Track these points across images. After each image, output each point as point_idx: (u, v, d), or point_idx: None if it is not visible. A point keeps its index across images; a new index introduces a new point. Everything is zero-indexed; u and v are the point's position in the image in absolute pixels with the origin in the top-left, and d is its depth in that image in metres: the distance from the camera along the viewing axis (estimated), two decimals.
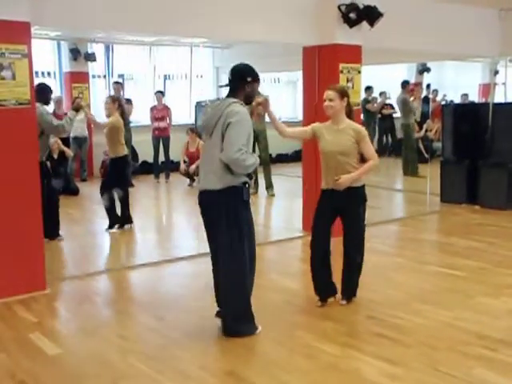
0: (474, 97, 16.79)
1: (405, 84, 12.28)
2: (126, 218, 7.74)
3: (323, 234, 4.76)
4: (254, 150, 10.33)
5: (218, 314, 4.41)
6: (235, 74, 4.26)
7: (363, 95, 12.90)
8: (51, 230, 6.78)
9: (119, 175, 7.67)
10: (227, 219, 4.15)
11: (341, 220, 4.82)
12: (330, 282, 4.88)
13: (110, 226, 7.65)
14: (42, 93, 6.58)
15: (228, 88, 4.26)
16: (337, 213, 4.79)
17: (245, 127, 4.07)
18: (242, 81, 4.21)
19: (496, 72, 11.83)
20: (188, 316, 4.75)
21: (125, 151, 7.65)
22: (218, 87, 4.14)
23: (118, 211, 7.73)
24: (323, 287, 4.86)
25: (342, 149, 4.63)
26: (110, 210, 7.66)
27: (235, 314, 4.25)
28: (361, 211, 4.81)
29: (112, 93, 11.83)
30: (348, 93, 4.78)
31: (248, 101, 4.29)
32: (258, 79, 4.31)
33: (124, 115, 7.62)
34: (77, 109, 6.86)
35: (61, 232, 7.20)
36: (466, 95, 15.32)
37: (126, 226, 7.71)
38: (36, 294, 5.21)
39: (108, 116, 7.62)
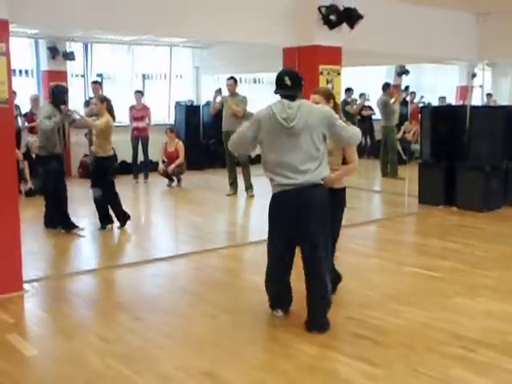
0: (452, 99, 16.95)
1: (386, 86, 12.36)
2: (111, 217, 7.72)
3: None
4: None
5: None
6: (296, 78, 4.38)
7: (343, 96, 12.96)
8: (64, 222, 7.34)
9: (106, 174, 7.63)
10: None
11: None
12: None
13: (104, 227, 7.64)
14: (58, 94, 7.25)
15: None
16: None
17: None
18: (300, 85, 4.39)
19: (473, 75, 11.97)
20: (167, 317, 4.72)
21: (112, 151, 7.69)
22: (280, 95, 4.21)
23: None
24: None
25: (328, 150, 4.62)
26: (104, 210, 7.64)
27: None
28: (338, 214, 4.82)
29: (91, 92, 11.76)
30: (333, 95, 4.86)
31: None
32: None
33: (112, 115, 7.66)
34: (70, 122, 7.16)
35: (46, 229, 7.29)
36: (443, 98, 15.45)
37: (108, 226, 7.67)
38: (13, 295, 5.15)
39: (96, 116, 7.69)
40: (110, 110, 7.66)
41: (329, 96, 4.75)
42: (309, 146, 4.25)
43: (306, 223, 4.30)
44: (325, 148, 4.36)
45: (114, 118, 7.70)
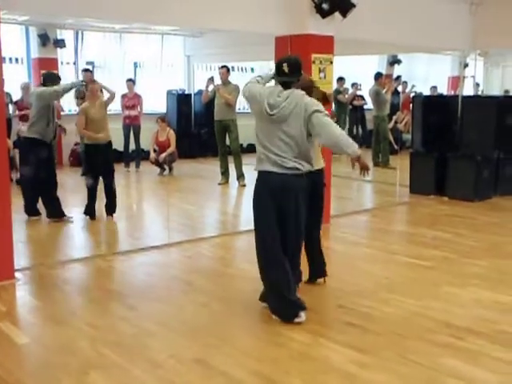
0: (443, 89, 16.98)
1: (378, 76, 12.36)
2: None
3: None
4: (224, 140, 10.34)
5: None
6: (295, 65, 4.35)
7: (335, 86, 12.95)
8: (56, 210, 7.36)
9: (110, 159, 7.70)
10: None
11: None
12: None
13: (89, 214, 7.60)
14: (50, 79, 7.36)
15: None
16: None
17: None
18: (299, 73, 4.36)
19: (465, 65, 11.98)
20: (159, 305, 4.74)
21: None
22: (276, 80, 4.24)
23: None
24: None
25: None
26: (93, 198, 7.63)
27: None
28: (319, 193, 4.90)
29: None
30: (312, 83, 4.78)
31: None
32: None
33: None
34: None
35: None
36: (435, 87, 15.47)
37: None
38: (4, 283, 5.15)
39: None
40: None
41: (307, 89, 4.53)
42: (295, 136, 4.24)
43: (283, 211, 4.32)
44: (312, 141, 4.35)
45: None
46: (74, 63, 12.85)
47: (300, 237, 4.47)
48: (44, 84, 7.27)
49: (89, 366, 3.68)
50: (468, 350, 3.91)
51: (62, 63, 12.56)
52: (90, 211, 7.57)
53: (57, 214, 7.39)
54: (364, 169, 4.28)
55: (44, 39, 11.83)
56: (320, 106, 4.29)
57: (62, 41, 12.03)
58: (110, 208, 7.62)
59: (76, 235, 7.31)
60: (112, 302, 4.86)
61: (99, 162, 7.45)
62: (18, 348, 3.99)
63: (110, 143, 7.59)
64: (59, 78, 7.73)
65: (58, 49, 12.13)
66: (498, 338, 4.08)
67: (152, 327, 4.28)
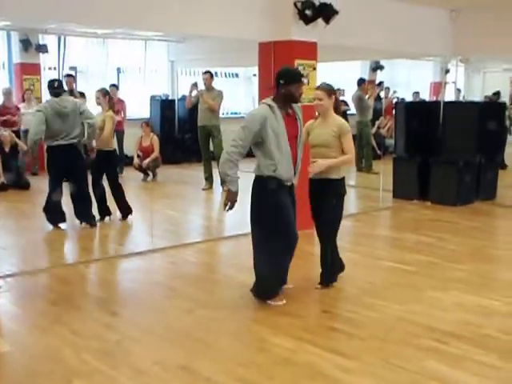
0: (426, 95, 17.10)
1: (360, 82, 12.44)
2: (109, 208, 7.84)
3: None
4: (208, 146, 10.32)
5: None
6: (276, 76, 4.74)
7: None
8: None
9: (112, 167, 7.83)
10: None
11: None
12: None
13: (102, 218, 7.73)
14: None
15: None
16: (316, 202, 5.09)
17: (246, 124, 4.60)
18: (277, 83, 4.69)
19: (447, 71, 12.10)
20: (143, 311, 4.72)
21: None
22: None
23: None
24: None
25: (324, 142, 4.95)
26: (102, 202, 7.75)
27: None
28: (335, 202, 5.06)
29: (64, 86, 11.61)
30: (335, 90, 5.13)
31: (289, 100, 4.70)
32: (296, 81, 4.70)
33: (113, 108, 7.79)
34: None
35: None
36: (417, 93, 15.58)
37: (106, 218, 7.79)
38: None
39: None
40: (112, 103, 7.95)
41: (330, 92, 5.01)
42: None
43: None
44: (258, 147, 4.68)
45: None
46: (56, 68, 12.78)
47: None
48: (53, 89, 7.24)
49: (72, 374, 3.65)
50: (451, 353, 3.93)
51: (44, 68, 12.48)
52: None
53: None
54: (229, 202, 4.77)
55: (26, 44, 11.76)
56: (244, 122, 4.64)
57: (45, 46, 11.96)
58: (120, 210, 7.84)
59: (59, 242, 7.26)
60: (95, 308, 4.83)
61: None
62: (0, 356, 3.95)
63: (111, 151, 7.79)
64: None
65: (41, 54, 12.05)
66: (481, 342, 4.11)
67: (136, 334, 4.26)
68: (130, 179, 11.23)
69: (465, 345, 4.05)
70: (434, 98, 16.23)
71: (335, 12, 6.80)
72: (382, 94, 15.04)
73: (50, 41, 12.31)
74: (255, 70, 8.63)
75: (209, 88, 10.10)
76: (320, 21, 6.85)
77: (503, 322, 4.50)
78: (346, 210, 8.90)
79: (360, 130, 12.27)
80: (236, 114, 15.02)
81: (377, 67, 15.46)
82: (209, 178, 10.29)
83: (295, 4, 6.77)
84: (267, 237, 4.68)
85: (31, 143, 6.94)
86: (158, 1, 6.06)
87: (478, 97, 16.16)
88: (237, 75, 15.70)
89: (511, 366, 3.77)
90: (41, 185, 7.52)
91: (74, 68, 12.87)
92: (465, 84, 17.85)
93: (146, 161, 10.79)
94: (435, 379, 3.59)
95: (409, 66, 17.01)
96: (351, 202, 10.21)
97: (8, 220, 7.42)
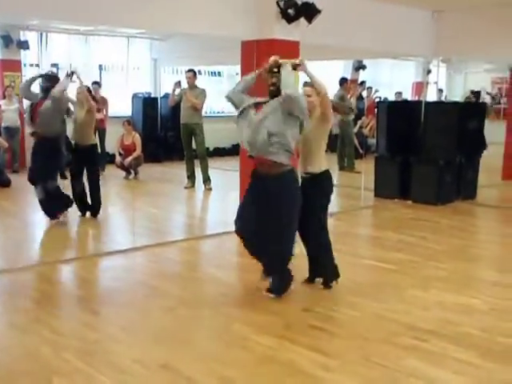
0: (408, 95, 17.22)
1: (343, 81, 12.47)
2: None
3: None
4: (190, 144, 10.30)
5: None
6: None
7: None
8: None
9: (94, 162, 7.94)
10: None
11: None
12: None
13: (84, 214, 7.81)
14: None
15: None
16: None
17: None
18: None
19: (429, 71, 12.19)
20: (123, 310, 4.69)
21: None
22: None
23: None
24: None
25: (312, 133, 4.96)
26: (82, 199, 7.77)
27: None
28: (320, 201, 5.34)
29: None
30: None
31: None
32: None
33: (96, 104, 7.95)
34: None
35: None
36: (399, 93, 15.70)
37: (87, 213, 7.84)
38: None
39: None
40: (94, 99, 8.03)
41: None
42: None
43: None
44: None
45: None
46: (38, 65, 12.68)
47: None
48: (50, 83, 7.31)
49: (52, 373, 3.62)
50: (431, 351, 3.96)
51: (25, 65, 12.39)
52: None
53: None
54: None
55: (7, 41, 11.67)
56: None
57: (26, 42, 11.88)
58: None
59: (40, 240, 7.20)
60: (75, 307, 4.81)
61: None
62: None
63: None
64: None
65: (22, 50, 11.97)
66: (461, 340, 4.14)
67: (116, 332, 4.24)
68: (111, 177, 11.18)
69: (445, 343, 4.08)
70: (417, 98, 16.35)
71: (318, 11, 6.82)
72: (365, 94, 15.13)
73: (31, 37, 12.22)
74: (238, 68, 8.64)
75: (192, 86, 10.07)
76: (302, 20, 6.87)
77: (483, 320, 4.55)
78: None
79: (342, 129, 12.31)
80: (219, 112, 15.02)
81: (359, 67, 15.55)
82: (191, 177, 10.27)
83: (278, 3, 6.79)
84: (292, 225, 4.87)
85: None
86: None
87: (459, 97, 16.32)
88: (220, 74, 15.68)
89: (490, 364, 3.80)
90: (22, 182, 7.44)
91: (55, 65, 12.79)
92: (446, 84, 18.00)
93: (128, 159, 10.76)
94: (415, 377, 3.62)
95: (391, 65, 17.12)
96: (333, 201, 10.20)
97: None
